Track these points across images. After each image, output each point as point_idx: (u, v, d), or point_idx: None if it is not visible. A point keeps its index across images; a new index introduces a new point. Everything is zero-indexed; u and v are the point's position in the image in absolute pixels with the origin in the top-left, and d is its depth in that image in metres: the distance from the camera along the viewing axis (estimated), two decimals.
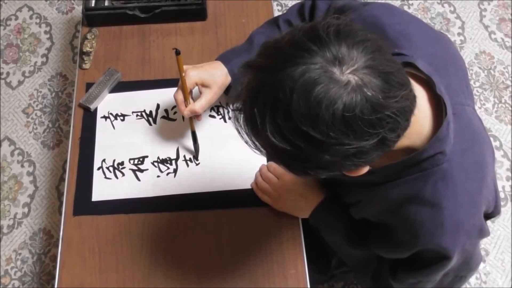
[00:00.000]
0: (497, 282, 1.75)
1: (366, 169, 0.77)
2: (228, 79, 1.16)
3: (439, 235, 0.87)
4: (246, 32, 1.41)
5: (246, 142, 0.77)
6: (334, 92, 0.65)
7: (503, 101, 2.04)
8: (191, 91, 1.14)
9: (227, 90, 1.19)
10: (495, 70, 2.11)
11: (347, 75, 0.66)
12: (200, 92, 1.14)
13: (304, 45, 0.68)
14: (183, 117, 1.30)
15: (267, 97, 0.69)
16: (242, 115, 0.74)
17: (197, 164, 1.24)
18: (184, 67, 1.11)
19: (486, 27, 2.20)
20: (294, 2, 2.21)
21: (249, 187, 1.22)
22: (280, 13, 2.17)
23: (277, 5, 2.24)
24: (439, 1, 2.26)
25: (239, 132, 0.77)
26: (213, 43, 1.40)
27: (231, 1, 1.47)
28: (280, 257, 1.15)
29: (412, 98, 0.73)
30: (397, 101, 0.68)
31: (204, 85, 1.13)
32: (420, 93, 0.83)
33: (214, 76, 1.14)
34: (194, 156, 1.25)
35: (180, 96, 1.12)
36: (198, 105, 1.12)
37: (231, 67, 1.16)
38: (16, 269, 1.78)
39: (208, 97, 1.13)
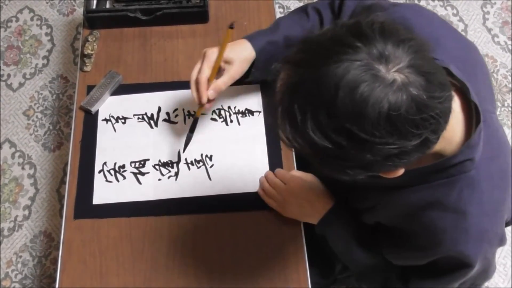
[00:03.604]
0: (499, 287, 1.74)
1: (402, 170, 0.76)
2: (252, 55, 1.13)
3: (463, 243, 0.86)
4: None
5: (282, 139, 0.74)
6: (380, 90, 0.64)
7: (506, 104, 2.03)
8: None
9: (248, 72, 1.16)
10: (498, 73, 2.10)
11: (392, 73, 0.65)
12: (223, 69, 1.12)
13: (348, 41, 0.67)
14: (184, 120, 1.29)
15: (309, 94, 0.67)
16: (279, 111, 0.72)
17: (198, 168, 1.24)
18: (207, 49, 1.09)
19: (489, 30, 2.19)
20: (296, 4, 2.23)
21: (251, 190, 1.21)
22: (282, 15, 2.19)
23: (279, 7, 2.24)
24: (442, 4, 2.25)
25: (274, 129, 0.74)
26: (214, 46, 1.39)
27: (233, 4, 1.46)
28: (281, 262, 1.15)
29: (451, 101, 0.72)
30: (440, 102, 0.67)
31: (226, 62, 1.11)
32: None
33: (237, 51, 1.12)
34: (183, 147, 1.22)
35: (204, 76, 1.09)
36: (221, 81, 1.10)
37: (254, 43, 1.13)
38: (17, 272, 1.78)
39: (231, 72, 1.11)
